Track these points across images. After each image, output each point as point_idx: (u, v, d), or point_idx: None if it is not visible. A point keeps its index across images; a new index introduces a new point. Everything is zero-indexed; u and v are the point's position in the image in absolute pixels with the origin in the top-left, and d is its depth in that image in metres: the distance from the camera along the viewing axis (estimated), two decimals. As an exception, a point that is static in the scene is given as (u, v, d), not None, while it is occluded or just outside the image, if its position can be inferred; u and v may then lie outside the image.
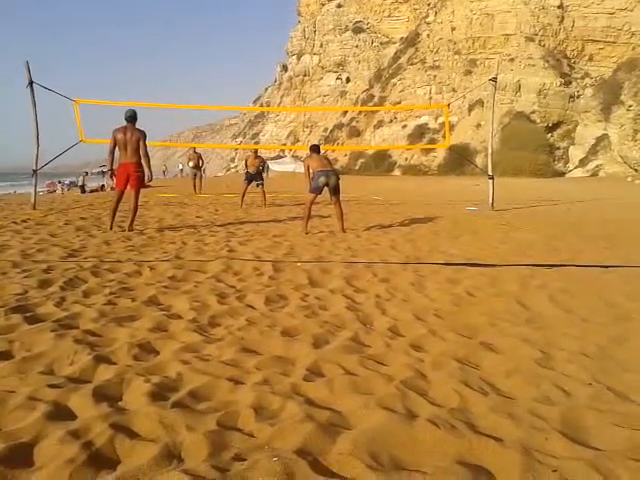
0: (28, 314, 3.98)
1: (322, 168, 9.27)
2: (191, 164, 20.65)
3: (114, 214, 9.30)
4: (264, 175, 15.70)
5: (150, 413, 2.50)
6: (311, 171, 9.37)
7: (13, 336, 3.50)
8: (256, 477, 2.01)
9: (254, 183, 14.98)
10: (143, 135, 9.10)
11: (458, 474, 2.06)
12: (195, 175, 20.70)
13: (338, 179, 9.42)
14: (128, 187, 9.25)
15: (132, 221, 9.27)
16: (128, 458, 2.17)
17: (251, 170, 14.92)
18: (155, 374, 2.98)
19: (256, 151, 15.75)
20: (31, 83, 13.02)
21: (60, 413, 2.50)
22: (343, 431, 2.38)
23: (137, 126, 9.23)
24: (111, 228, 9.11)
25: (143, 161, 9.13)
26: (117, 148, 9.09)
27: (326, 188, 9.36)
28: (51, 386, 2.77)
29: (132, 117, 9.18)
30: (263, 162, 15.60)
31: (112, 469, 2.09)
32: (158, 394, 2.72)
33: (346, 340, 3.63)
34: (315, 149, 9.84)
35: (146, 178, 9.30)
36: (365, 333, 3.81)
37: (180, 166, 68.54)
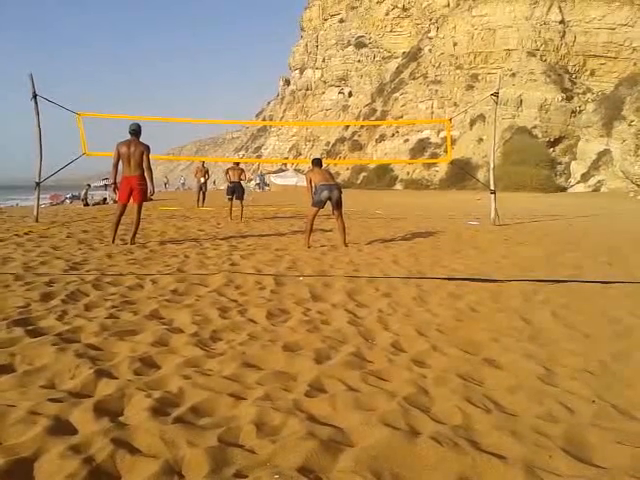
0: (30, 327, 3.98)
1: (325, 182, 9.26)
2: (202, 179, 20.90)
3: (116, 227, 9.32)
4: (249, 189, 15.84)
5: (151, 428, 2.49)
6: (313, 185, 9.37)
7: (15, 349, 3.50)
8: (257, 494, 2.00)
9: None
10: (147, 148, 9.12)
11: (461, 492, 2.04)
12: (201, 188, 20.87)
13: (341, 193, 9.42)
14: (131, 200, 9.27)
15: (134, 234, 9.29)
16: (129, 474, 2.17)
17: (234, 179, 15.15)
18: (156, 389, 2.97)
19: (237, 164, 15.97)
20: (35, 96, 13.09)
21: (61, 428, 2.50)
22: (345, 448, 2.37)
23: (141, 140, 9.26)
24: (113, 241, 9.12)
25: (146, 174, 9.15)
26: (120, 161, 9.11)
27: (329, 202, 9.35)
28: (52, 400, 2.76)
29: (136, 131, 9.22)
30: (242, 172, 15.72)
31: (113, 485, 2.08)
32: (159, 409, 2.72)
33: (348, 355, 3.62)
34: (317, 162, 9.81)
35: (148, 191, 9.32)
36: (367, 348, 3.80)
37: (182, 179, 68.49)
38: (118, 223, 9.36)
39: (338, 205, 9.39)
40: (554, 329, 4.42)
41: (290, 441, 2.40)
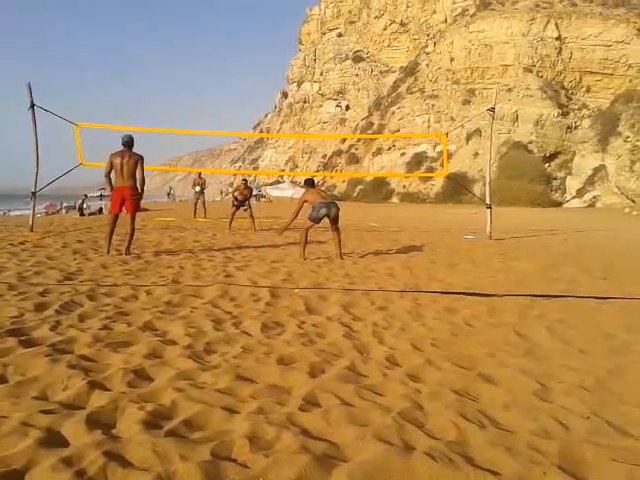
0: (23, 337, 3.96)
1: (322, 200, 9.37)
2: (197, 188, 20.74)
3: (110, 237, 9.31)
4: (251, 201, 16.39)
5: (144, 441, 2.47)
6: (310, 204, 9.41)
7: (7, 360, 3.48)
8: (250, 510, 1.98)
9: (242, 208, 15.79)
10: (140, 158, 9.15)
11: (455, 509, 2.03)
12: (198, 199, 20.68)
13: (338, 210, 9.49)
14: (124, 211, 9.26)
15: (129, 245, 9.26)
16: (120, 488, 2.14)
17: (240, 197, 15.68)
18: (149, 401, 2.95)
19: (246, 182, 16.34)
20: (32, 106, 13.11)
21: (53, 440, 2.48)
22: (339, 463, 2.36)
23: (135, 150, 9.26)
24: (108, 252, 9.09)
25: (138, 184, 9.15)
26: (113, 171, 9.12)
27: (326, 218, 9.43)
28: (44, 412, 2.74)
29: (129, 142, 9.25)
30: (251, 192, 16.47)
31: (104, 499, 2.06)
32: (152, 422, 2.70)
33: (343, 369, 3.60)
34: (310, 183, 9.98)
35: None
36: (362, 362, 3.79)
37: (171, 190, 67.84)
38: (111, 233, 9.35)
39: (335, 221, 9.47)
40: (549, 344, 4.41)
41: (283, 455, 2.38)
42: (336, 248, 9.62)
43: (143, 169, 9.21)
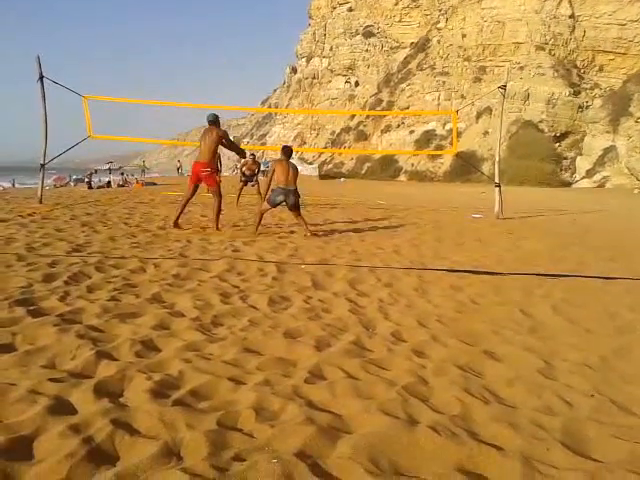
0: (32, 307, 3.99)
1: (283, 185, 9.02)
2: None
3: (181, 210, 9.51)
4: (259, 177, 16.37)
5: (151, 410, 2.50)
6: (274, 180, 9.14)
7: (16, 329, 3.51)
8: (255, 478, 2.01)
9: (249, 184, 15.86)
10: (224, 133, 9.30)
11: (458, 481, 2.05)
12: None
13: (298, 197, 9.22)
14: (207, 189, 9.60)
15: (217, 220, 9.36)
16: (128, 454, 2.18)
17: (248, 173, 15.69)
18: (157, 371, 2.99)
19: (254, 156, 16.31)
20: (41, 77, 13.06)
21: (61, 407, 2.51)
22: (343, 435, 2.38)
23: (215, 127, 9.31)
24: (174, 224, 9.29)
25: (233, 150, 9.54)
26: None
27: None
28: (53, 380, 2.77)
29: (213, 120, 9.31)
30: (259, 167, 16.46)
31: (111, 465, 2.09)
32: (159, 392, 2.73)
33: (348, 344, 3.62)
34: (286, 152, 9.38)
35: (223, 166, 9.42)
36: (367, 337, 3.81)
37: (178, 164, 67.00)
38: (183, 206, 9.56)
39: (293, 209, 9.29)
40: (555, 323, 4.42)
41: (289, 426, 2.41)
42: (304, 229, 9.32)
43: (231, 141, 9.41)
